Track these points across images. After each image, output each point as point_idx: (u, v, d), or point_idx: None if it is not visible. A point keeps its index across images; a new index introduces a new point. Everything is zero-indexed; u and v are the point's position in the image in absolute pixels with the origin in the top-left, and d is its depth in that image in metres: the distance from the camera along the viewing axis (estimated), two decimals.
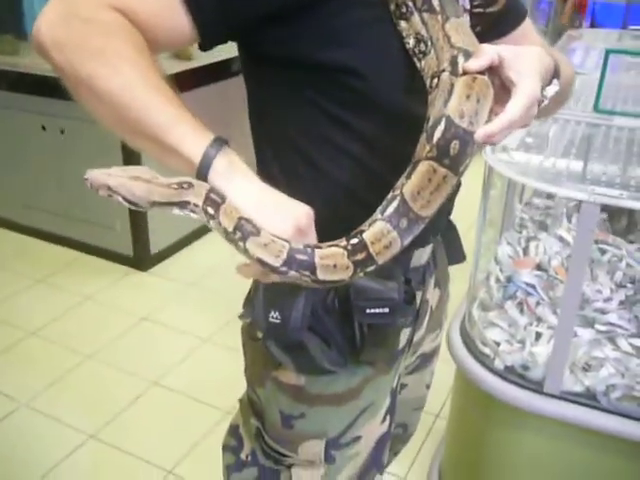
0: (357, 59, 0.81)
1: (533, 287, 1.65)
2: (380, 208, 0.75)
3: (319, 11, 0.78)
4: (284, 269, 0.70)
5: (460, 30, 0.78)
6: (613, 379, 1.44)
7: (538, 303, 1.61)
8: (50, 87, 2.93)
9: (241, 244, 0.70)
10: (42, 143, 3.11)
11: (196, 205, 0.71)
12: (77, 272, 3.11)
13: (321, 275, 0.72)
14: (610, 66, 1.63)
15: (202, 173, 0.70)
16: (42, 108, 3.02)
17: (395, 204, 0.73)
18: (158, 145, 0.71)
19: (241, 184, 0.71)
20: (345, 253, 0.72)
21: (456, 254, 1.17)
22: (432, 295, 1.12)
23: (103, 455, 2.09)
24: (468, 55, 0.75)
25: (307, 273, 0.71)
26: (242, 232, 0.70)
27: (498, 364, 1.52)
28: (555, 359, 1.43)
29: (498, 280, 1.70)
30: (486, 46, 0.75)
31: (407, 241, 0.74)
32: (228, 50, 0.93)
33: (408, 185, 0.73)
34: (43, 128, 3.07)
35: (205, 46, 0.80)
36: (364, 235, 0.73)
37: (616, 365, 1.46)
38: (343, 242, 0.74)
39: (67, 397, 2.33)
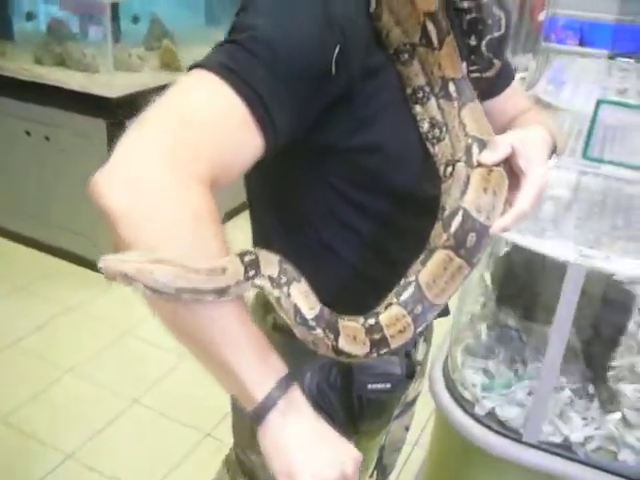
0: (381, 139, 0.81)
1: (517, 331, 1.67)
2: (395, 292, 0.76)
3: (356, 97, 0.77)
4: (313, 324, 0.70)
5: (475, 116, 0.81)
6: (590, 431, 1.46)
7: (521, 350, 1.63)
8: (35, 93, 2.92)
9: (285, 289, 0.69)
10: (26, 149, 3.08)
11: (238, 283, 0.66)
12: (59, 281, 3.09)
13: (341, 343, 0.72)
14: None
15: (261, 412, 0.69)
16: (27, 114, 2.98)
17: (411, 290, 0.75)
18: (214, 361, 0.69)
19: (296, 422, 0.70)
20: (363, 330, 0.73)
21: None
22: (420, 351, 1.13)
23: (81, 477, 2.09)
24: (482, 144, 0.77)
25: (332, 336, 0.71)
26: (287, 276, 0.70)
27: (478, 410, 1.53)
28: (535, 409, 1.44)
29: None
30: (500, 138, 0.78)
31: (420, 328, 0.75)
32: None
33: (424, 273, 0.75)
34: (27, 134, 3.03)
35: (265, 155, 0.75)
36: (380, 317, 0.74)
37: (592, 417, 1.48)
38: (361, 320, 0.74)
39: (45, 413, 2.32)
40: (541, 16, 4.51)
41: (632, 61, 3.25)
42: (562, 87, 2.28)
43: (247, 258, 0.67)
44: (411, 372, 0.98)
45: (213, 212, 0.65)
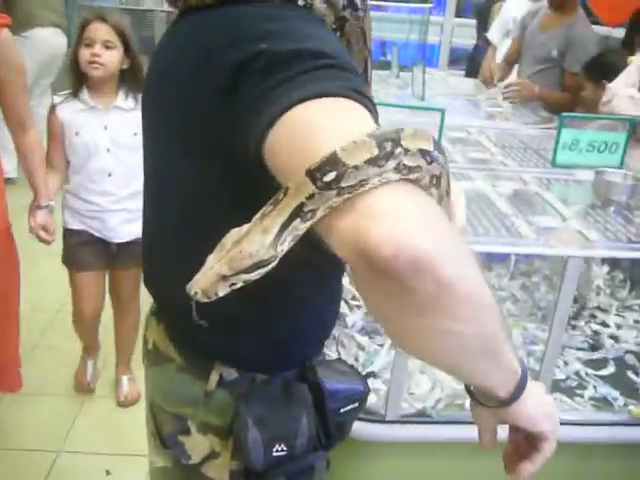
0: None
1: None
2: None
3: None
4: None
5: None
6: (437, 394, 1.68)
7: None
8: None
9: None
10: None
11: (320, 193, 0.56)
12: None
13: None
14: None
15: (523, 384, 0.73)
16: None
17: None
18: (493, 362, 0.70)
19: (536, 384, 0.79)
20: None
21: None
22: None
23: None
24: None
25: None
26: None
27: None
28: (393, 389, 1.60)
29: None
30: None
31: None
32: None
33: None
34: None
35: None
36: None
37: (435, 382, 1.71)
38: None
39: None
40: None
41: None
42: None
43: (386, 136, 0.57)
44: (368, 386, 1.02)
45: None
